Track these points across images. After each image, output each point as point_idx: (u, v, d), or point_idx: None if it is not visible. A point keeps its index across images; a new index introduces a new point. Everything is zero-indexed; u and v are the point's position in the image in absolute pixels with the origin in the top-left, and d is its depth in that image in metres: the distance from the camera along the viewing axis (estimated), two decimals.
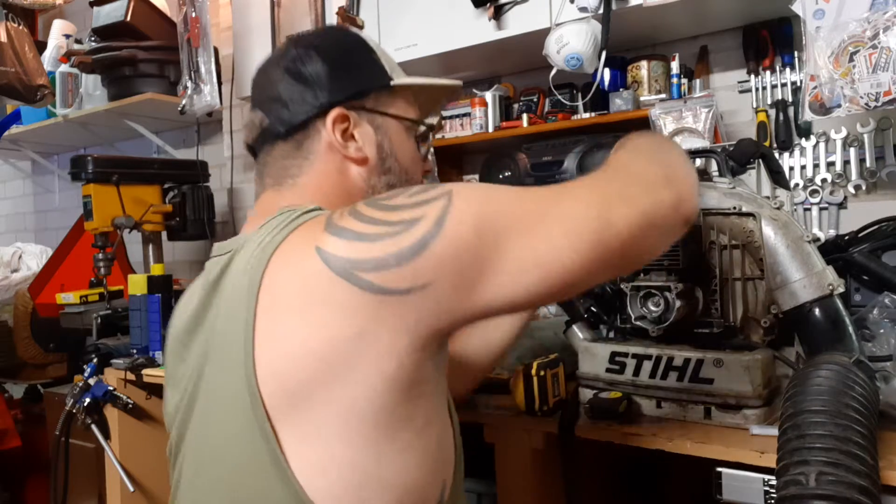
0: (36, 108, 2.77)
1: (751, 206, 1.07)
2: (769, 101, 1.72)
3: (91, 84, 2.81)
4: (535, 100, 2.04)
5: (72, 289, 2.30)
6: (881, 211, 1.42)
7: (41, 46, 2.91)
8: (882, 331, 1.08)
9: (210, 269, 0.78)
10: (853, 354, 0.93)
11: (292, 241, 0.70)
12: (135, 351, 1.85)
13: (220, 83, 2.42)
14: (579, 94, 1.94)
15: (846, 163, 1.64)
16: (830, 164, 1.66)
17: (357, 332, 0.64)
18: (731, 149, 1.17)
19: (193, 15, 2.32)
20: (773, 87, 1.72)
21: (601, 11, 1.65)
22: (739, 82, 1.78)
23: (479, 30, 1.85)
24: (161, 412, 0.86)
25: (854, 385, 0.82)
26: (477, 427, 1.14)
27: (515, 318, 1.13)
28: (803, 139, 1.69)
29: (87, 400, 1.80)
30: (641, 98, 1.80)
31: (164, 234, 2.44)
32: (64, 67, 2.83)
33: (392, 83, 0.87)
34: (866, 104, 1.35)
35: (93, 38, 2.67)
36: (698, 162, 1.20)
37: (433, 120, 0.94)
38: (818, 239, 1.51)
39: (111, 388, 1.82)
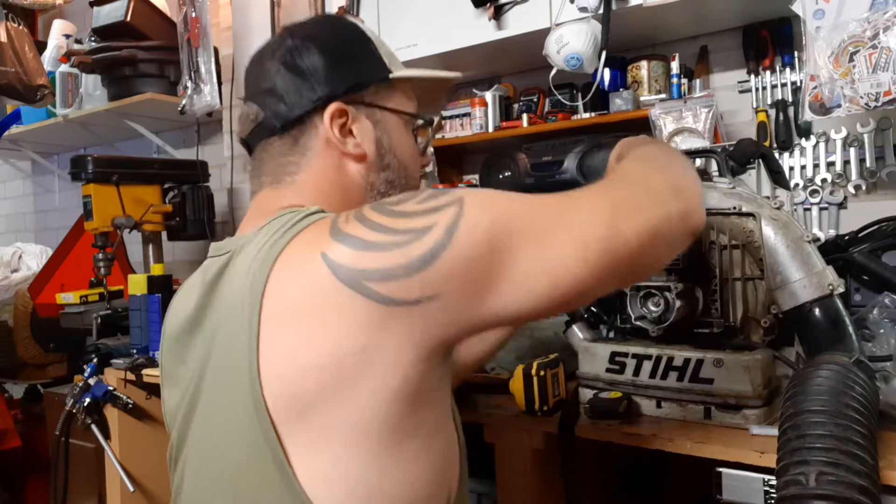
0: (36, 108, 2.77)
1: (751, 206, 1.07)
2: (769, 101, 1.72)
3: (91, 84, 2.80)
4: (535, 100, 2.04)
5: (72, 289, 2.30)
6: (881, 211, 1.42)
7: (41, 46, 2.91)
8: (882, 331, 1.08)
9: (207, 269, 0.77)
10: (853, 354, 0.93)
11: (297, 246, 0.68)
12: (135, 351, 1.86)
13: (220, 83, 2.41)
14: (579, 94, 1.94)
15: (846, 163, 1.64)
16: (830, 164, 1.67)
17: (363, 344, 0.62)
18: (731, 149, 1.17)
19: (193, 15, 2.32)
20: (773, 87, 1.72)
21: (601, 11, 1.65)
22: (739, 82, 1.78)
23: (479, 30, 1.85)
24: (161, 412, 0.86)
25: (854, 385, 0.82)
26: (477, 427, 1.13)
27: (500, 330, 1.12)
28: (803, 139, 1.69)
29: (87, 400, 1.80)
30: (641, 98, 1.80)
31: (164, 234, 2.44)
32: (64, 67, 2.83)
33: (391, 76, 0.85)
34: (866, 104, 1.35)
35: (93, 38, 2.66)
36: (698, 162, 1.20)
37: (432, 115, 0.92)
38: (818, 239, 1.51)
39: (111, 388, 1.82)
